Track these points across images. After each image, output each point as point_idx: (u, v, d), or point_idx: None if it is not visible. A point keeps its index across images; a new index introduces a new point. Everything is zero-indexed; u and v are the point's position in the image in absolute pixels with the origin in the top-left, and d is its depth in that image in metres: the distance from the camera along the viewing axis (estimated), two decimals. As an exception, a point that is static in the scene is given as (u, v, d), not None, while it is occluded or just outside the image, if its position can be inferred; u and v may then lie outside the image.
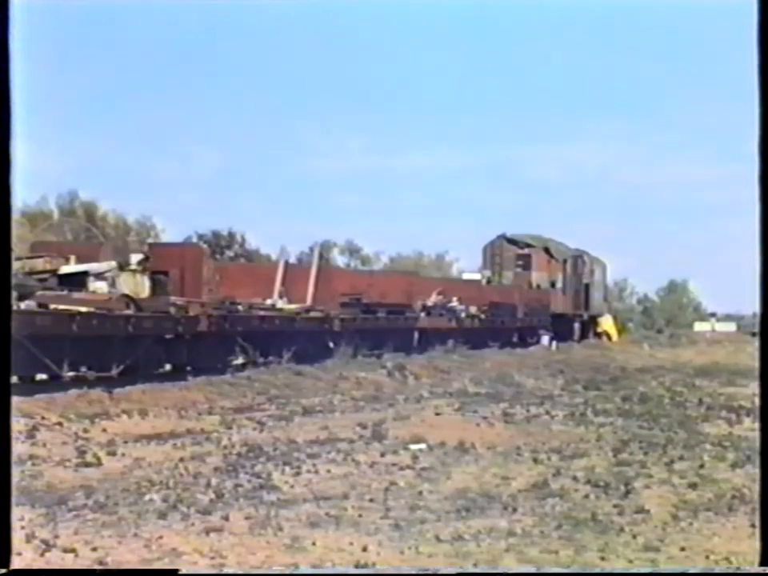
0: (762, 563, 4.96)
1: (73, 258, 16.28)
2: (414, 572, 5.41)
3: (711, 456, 9.28)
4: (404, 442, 9.79)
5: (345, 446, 9.55)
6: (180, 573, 5.22)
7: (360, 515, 6.64)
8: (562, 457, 9.18)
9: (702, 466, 8.73)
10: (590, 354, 29.20)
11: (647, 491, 7.64)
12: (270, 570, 5.43)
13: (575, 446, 9.87)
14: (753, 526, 6.21)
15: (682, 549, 5.93)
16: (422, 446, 9.61)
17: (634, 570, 5.54)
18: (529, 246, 36.32)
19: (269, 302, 19.92)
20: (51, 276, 15.52)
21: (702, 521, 6.68)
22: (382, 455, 9.07)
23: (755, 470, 6.41)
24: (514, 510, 6.86)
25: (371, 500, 7.13)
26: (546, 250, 36.46)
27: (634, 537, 6.17)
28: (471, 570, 5.46)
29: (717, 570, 5.57)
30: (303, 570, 5.41)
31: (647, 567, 5.55)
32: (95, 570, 5.30)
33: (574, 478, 8.05)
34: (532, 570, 5.49)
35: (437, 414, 12.56)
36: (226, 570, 5.40)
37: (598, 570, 5.49)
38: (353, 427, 10.89)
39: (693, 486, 7.83)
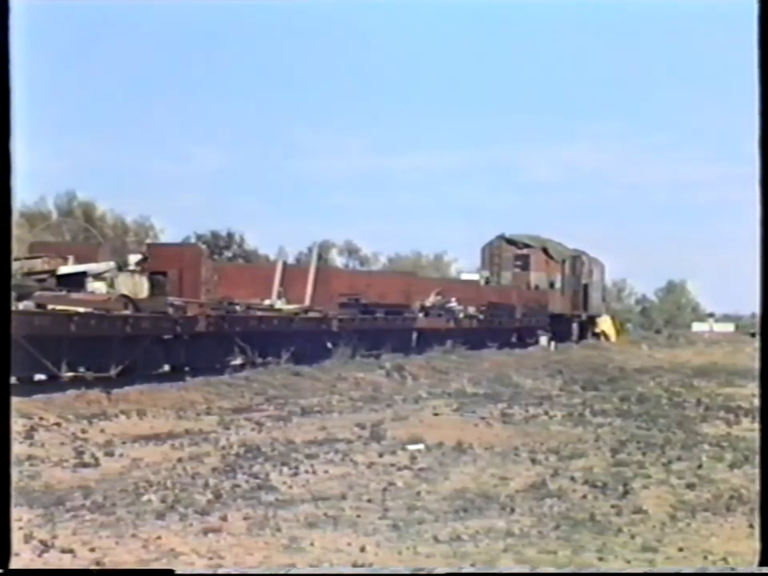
0: (762, 563, 4.96)
1: (71, 258, 16.27)
2: (411, 572, 5.41)
3: (709, 456, 9.28)
4: (402, 443, 9.78)
5: (343, 447, 9.55)
6: (176, 573, 5.22)
7: (358, 515, 6.64)
8: (560, 457, 9.18)
9: (700, 467, 8.73)
10: (588, 355, 29.17)
11: (645, 491, 7.64)
12: (267, 570, 5.43)
13: (573, 446, 9.87)
14: (751, 526, 6.23)
15: (680, 549, 5.93)
16: (420, 446, 9.61)
17: (632, 571, 5.54)
18: (527, 246, 36.31)
19: (267, 302, 19.91)
20: (49, 276, 15.51)
21: (700, 521, 6.68)
22: (380, 455, 9.07)
23: (753, 471, 6.42)
24: (512, 510, 6.87)
25: (369, 500, 7.13)
26: (545, 251, 36.45)
27: (632, 537, 6.17)
28: (469, 570, 5.46)
29: (715, 570, 5.57)
30: (301, 570, 5.42)
31: (645, 567, 5.56)
32: (93, 570, 5.30)
33: (572, 479, 8.05)
34: (530, 570, 5.49)
35: (435, 415, 12.56)
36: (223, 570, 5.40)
37: (595, 571, 5.50)
38: (351, 428, 10.89)
39: (691, 486, 7.83)
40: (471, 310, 27.56)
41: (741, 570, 5.50)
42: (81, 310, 13.80)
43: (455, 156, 71.65)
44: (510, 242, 36.37)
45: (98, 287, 15.64)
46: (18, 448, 8.57)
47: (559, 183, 73.78)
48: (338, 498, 7.17)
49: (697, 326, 52.96)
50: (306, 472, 8.20)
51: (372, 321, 22.34)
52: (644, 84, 69.97)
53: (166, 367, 15.87)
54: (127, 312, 14.76)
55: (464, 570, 5.45)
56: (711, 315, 55.66)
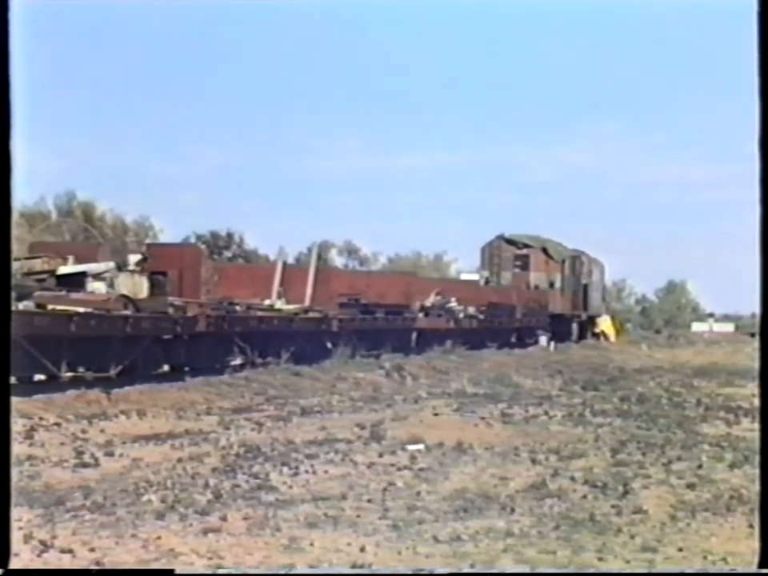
0: (762, 564, 4.96)
1: (71, 258, 16.28)
2: (411, 572, 5.41)
3: (709, 456, 9.28)
4: (402, 443, 9.78)
5: (343, 447, 9.55)
6: (176, 573, 5.21)
7: (358, 516, 6.64)
8: (560, 457, 9.18)
9: (700, 467, 8.73)
10: (588, 355, 29.18)
11: (645, 491, 7.65)
12: (266, 570, 5.43)
13: (573, 446, 9.87)
14: (751, 526, 6.23)
15: (680, 549, 5.93)
16: (420, 446, 9.61)
17: (632, 571, 5.54)
18: (527, 246, 36.32)
19: (267, 302, 19.90)
20: (49, 276, 15.51)
21: (700, 521, 6.68)
22: (380, 456, 9.07)
23: (753, 471, 6.42)
24: (512, 510, 6.87)
25: (369, 500, 7.13)
26: (545, 251, 36.46)
27: (632, 537, 6.17)
28: (468, 570, 5.46)
29: (715, 571, 5.57)
30: (300, 570, 5.41)
31: (645, 568, 5.56)
32: (92, 570, 5.30)
33: (572, 479, 8.05)
34: (529, 570, 5.49)
35: (435, 415, 12.56)
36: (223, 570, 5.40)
37: (595, 571, 5.49)
38: (351, 428, 10.89)
39: (691, 486, 7.84)
40: (471, 310, 27.56)
41: (741, 570, 5.50)
42: (81, 310, 13.80)
43: (455, 156, 71.59)
44: (510, 242, 36.38)
45: (97, 287, 15.64)
46: (17, 448, 8.56)
47: (559, 183, 73.73)
48: (338, 498, 7.17)
49: (697, 326, 52.95)
50: (306, 472, 8.20)
51: (372, 321, 22.34)
52: (644, 84, 69.92)
53: (166, 367, 15.86)
54: (127, 312, 14.76)
55: (464, 571, 5.45)
56: (711, 315, 55.64)
